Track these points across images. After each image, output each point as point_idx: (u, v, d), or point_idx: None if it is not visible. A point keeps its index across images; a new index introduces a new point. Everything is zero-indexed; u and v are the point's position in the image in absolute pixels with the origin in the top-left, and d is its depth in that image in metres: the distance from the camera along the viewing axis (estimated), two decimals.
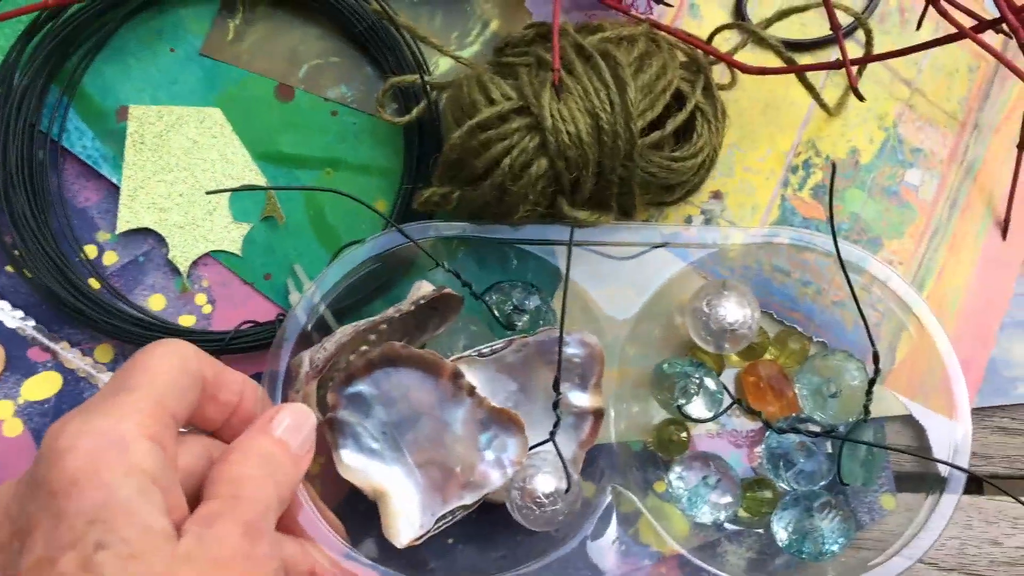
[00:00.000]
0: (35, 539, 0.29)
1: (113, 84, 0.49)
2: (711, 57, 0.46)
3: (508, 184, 0.42)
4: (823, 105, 0.48)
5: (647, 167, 0.43)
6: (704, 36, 0.47)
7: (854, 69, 0.42)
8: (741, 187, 0.50)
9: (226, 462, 0.34)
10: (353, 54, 0.50)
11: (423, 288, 0.42)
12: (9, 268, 0.47)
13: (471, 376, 0.42)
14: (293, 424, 0.36)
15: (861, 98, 0.40)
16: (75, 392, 0.46)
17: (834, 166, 0.46)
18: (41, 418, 0.46)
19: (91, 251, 0.48)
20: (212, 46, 0.50)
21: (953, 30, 0.41)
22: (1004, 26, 0.41)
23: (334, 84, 0.50)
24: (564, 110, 0.42)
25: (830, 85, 0.50)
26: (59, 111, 0.48)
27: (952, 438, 0.44)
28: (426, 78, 0.46)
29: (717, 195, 0.50)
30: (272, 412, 0.36)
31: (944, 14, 0.41)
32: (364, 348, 0.41)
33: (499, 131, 0.42)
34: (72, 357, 0.46)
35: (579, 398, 0.43)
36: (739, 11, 0.51)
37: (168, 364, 0.34)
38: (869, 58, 0.44)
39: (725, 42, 0.48)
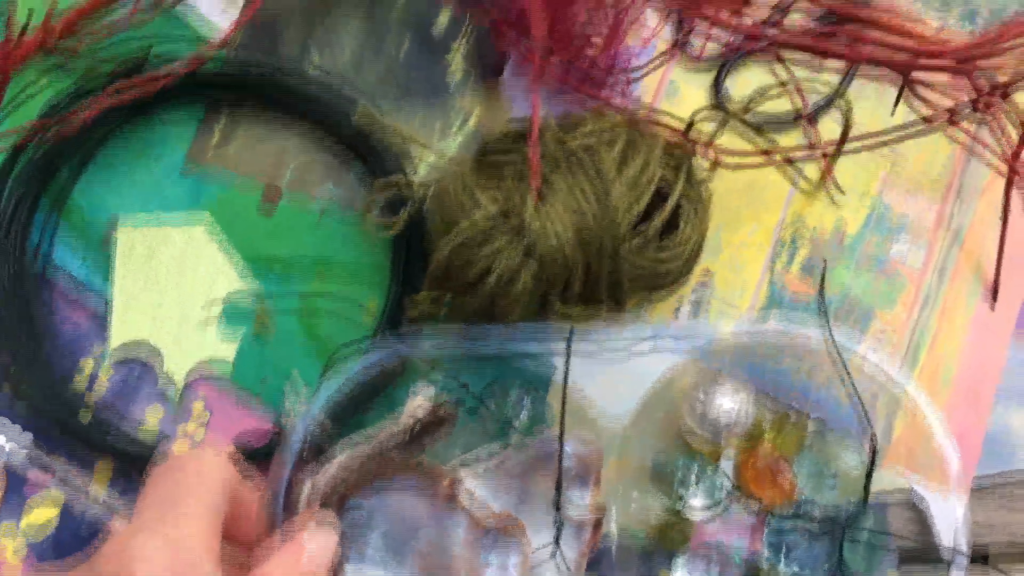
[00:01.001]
0: None
1: (102, 197, 0.49)
2: (693, 142, 0.46)
3: (497, 290, 0.43)
4: (803, 189, 0.48)
5: (635, 262, 0.43)
6: (682, 114, 0.48)
7: (833, 155, 0.42)
8: (729, 265, 0.50)
9: None
10: (339, 152, 0.50)
11: (418, 401, 0.42)
12: (3, 390, 0.47)
13: (470, 482, 0.42)
14: (319, 549, 0.36)
15: (841, 191, 0.41)
16: (75, 515, 0.46)
17: (824, 265, 0.47)
18: (42, 543, 0.46)
19: (86, 367, 0.48)
20: (198, 152, 0.50)
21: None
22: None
23: (321, 184, 0.50)
24: (550, 212, 0.42)
25: (812, 160, 0.51)
26: (48, 228, 0.48)
27: (953, 512, 0.45)
28: (411, 183, 0.46)
29: (706, 274, 0.50)
30: (304, 536, 0.36)
31: (919, 97, 0.41)
32: (362, 463, 0.41)
33: (485, 238, 0.42)
34: (71, 479, 0.46)
35: (579, 498, 0.44)
36: (717, 90, 0.51)
37: (219, 476, 0.34)
38: (844, 140, 0.45)
39: (706, 122, 0.49)
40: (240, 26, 0.47)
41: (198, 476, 0.34)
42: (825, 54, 0.37)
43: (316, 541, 0.36)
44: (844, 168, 0.50)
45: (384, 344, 0.44)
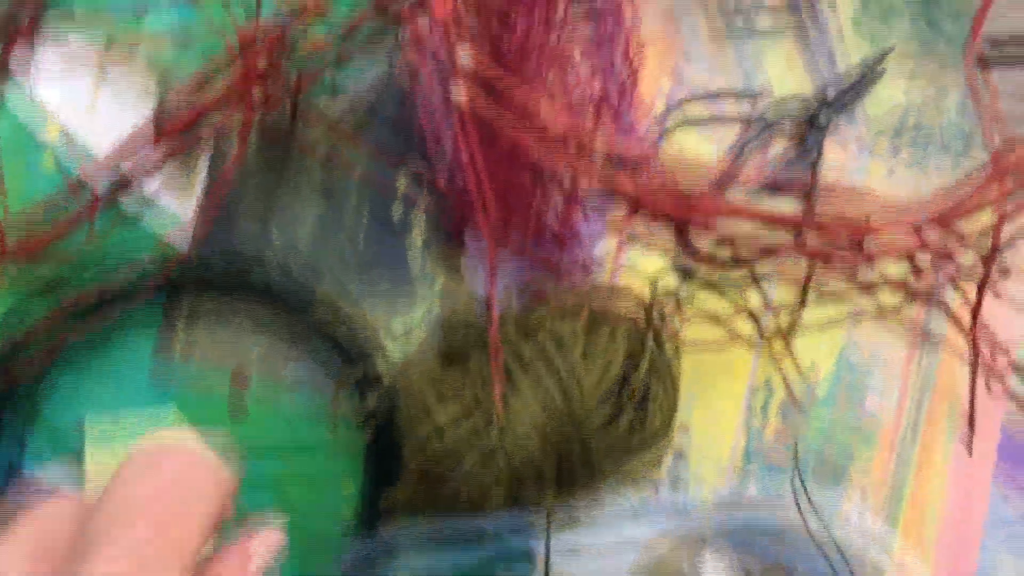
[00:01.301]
0: None
1: (68, 399, 0.49)
2: (658, 313, 0.46)
3: (470, 482, 0.42)
4: (767, 354, 0.48)
5: (607, 444, 0.43)
6: (645, 268, 0.48)
7: (790, 329, 0.42)
8: (705, 419, 0.50)
9: None
10: (305, 336, 0.50)
11: None
12: None
13: None
14: (267, 550, 0.33)
15: (800, 371, 0.41)
16: None
17: (796, 447, 0.47)
18: None
19: None
20: (163, 345, 0.50)
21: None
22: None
23: (289, 366, 0.50)
24: (516, 411, 0.42)
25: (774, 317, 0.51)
26: (15, 441, 0.48)
27: None
28: (378, 376, 0.46)
29: (683, 430, 0.50)
30: (252, 542, 0.33)
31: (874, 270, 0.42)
32: None
33: (453, 435, 0.42)
34: None
35: None
36: (684, 244, 0.51)
37: (216, 491, 0.31)
38: (803, 302, 0.45)
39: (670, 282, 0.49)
40: (201, 235, 0.48)
41: (203, 490, 0.30)
42: (777, 252, 0.37)
43: (263, 543, 0.33)
44: (811, 311, 0.50)
45: (359, 546, 0.44)
